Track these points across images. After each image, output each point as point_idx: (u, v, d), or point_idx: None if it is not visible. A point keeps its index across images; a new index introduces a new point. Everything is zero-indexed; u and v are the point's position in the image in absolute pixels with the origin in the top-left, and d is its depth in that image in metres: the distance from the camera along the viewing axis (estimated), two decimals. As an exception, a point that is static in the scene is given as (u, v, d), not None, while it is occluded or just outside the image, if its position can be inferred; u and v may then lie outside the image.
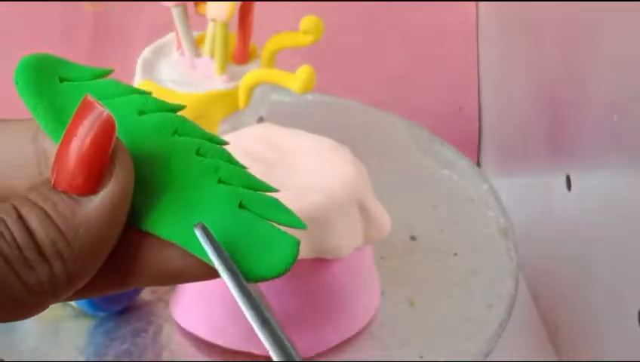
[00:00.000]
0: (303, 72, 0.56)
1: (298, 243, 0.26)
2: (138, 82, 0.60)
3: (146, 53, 0.62)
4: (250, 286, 0.25)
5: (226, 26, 0.59)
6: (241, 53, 0.61)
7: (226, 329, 0.50)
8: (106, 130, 0.24)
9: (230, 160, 0.27)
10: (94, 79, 0.27)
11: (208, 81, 0.60)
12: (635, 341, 0.48)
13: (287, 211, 0.27)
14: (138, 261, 0.26)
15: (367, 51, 0.83)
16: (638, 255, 0.48)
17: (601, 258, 0.54)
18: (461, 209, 0.61)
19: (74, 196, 0.24)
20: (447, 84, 0.82)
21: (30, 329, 0.51)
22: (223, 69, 0.60)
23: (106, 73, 0.27)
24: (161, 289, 0.53)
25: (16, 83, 0.26)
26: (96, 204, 0.24)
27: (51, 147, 0.26)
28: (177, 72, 0.61)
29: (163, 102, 0.27)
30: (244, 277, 0.25)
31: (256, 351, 0.49)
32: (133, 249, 0.26)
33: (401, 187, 0.62)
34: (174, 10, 0.60)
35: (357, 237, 0.50)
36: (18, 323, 0.49)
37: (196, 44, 0.61)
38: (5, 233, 0.23)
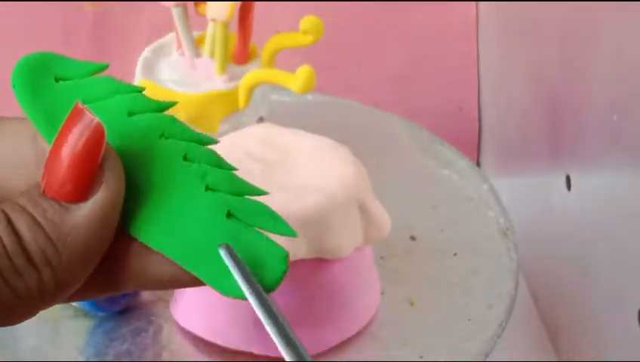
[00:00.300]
0: (303, 72, 0.56)
1: (287, 256, 0.26)
2: (138, 82, 0.60)
3: (146, 53, 0.62)
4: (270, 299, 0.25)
5: (226, 26, 0.59)
6: (241, 53, 0.61)
7: (226, 329, 0.50)
8: (96, 138, 0.24)
9: (218, 163, 0.27)
10: (90, 75, 0.27)
11: (208, 81, 0.60)
12: (635, 341, 0.48)
13: (276, 218, 0.26)
14: (126, 266, 0.25)
15: (367, 51, 0.83)
16: (638, 255, 0.48)
17: (601, 258, 0.54)
18: (461, 209, 0.61)
19: (63, 203, 0.24)
20: (447, 84, 0.82)
21: (30, 329, 0.51)
22: (223, 69, 0.60)
23: (101, 68, 0.27)
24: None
25: (13, 87, 0.26)
26: (85, 211, 0.24)
27: (50, 148, 0.26)
28: (177, 72, 0.61)
29: (152, 102, 0.27)
30: (230, 296, 0.25)
31: (256, 351, 0.49)
32: (121, 253, 0.25)
33: (401, 187, 0.62)
34: (174, 10, 0.60)
35: (357, 237, 0.50)
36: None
37: (196, 44, 0.61)
38: None
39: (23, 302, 0.24)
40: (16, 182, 0.26)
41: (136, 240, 0.25)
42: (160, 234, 0.25)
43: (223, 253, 0.25)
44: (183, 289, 0.52)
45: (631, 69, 0.48)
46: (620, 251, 0.50)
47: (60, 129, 0.24)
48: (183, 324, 0.51)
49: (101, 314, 0.52)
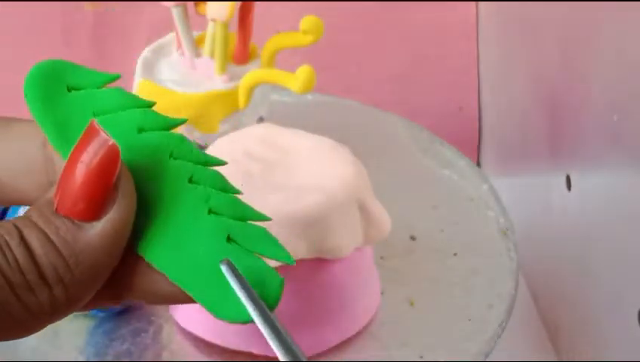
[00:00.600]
0: (303, 72, 0.56)
1: (282, 282, 0.26)
2: (138, 82, 0.60)
3: (146, 53, 0.62)
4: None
5: (226, 26, 0.59)
6: (241, 53, 0.61)
7: (225, 329, 0.50)
8: (111, 158, 0.24)
9: (223, 186, 0.27)
10: (102, 85, 0.27)
11: (208, 81, 0.60)
12: (635, 341, 0.48)
13: (275, 244, 0.26)
14: (130, 280, 0.26)
15: (367, 51, 0.83)
16: (638, 255, 0.48)
17: (601, 258, 0.54)
18: (461, 209, 0.61)
19: (76, 221, 0.24)
20: (447, 84, 0.82)
21: (30, 329, 0.51)
22: (223, 69, 0.60)
23: (113, 79, 0.27)
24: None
25: (25, 95, 0.26)
26: (98, 230, 0.24)
27: (59, 156, 0.26)
28: (177, 72, 0.61)
29: (162, 118, 0.27)
30: (226, 321, 0.25)
31: (255, 351, 0.49)
32: (126, 268, 0.26)
33: (401, 187, 0.62)
34: (174, 10, 0.60)
35: (357, 237, 0.50)
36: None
37: (196, 44, 0.61)
38: (8, 255, 0.24)
39: (33, 316, 0.24)
40: (24, 185, 0.26)
41: (139, 257, 0.26)
42: (162, 254, 0.26)
43: (224, 268, 0.25)
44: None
45: (631, 69, 0.48)
46: (620, 251, 0.50)
47: (74, 146, 0.24)
48: (183, 324, 0.51)
49: (101, 314, 0.52)
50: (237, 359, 0.49)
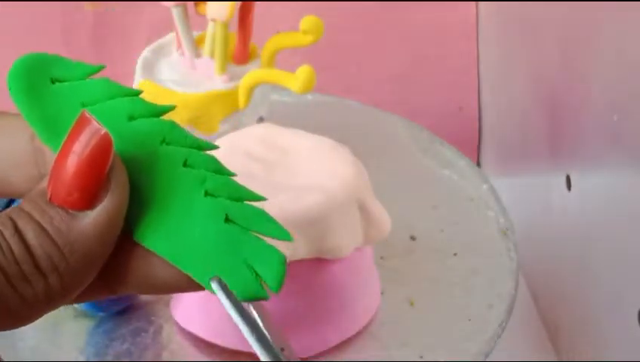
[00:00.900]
0: (303, 72, 0.56)
1: (285, 258, 0.26)
2: (138, 82, 0.60)
3: (146, 53, 0.62)
4: (273, 336, 0.25)
5: (226, 26, 0.59)
6: (241, 53, 0.61)
7: (225, 329, 0.50)
8: (104, 147, 0.24)
9: (218, 168, 0.27)
10: (87, 76, 0.27)
11: (208, 81, 0.60)
12: (635, 341, 0.48)
13: (273, 223, 0.27)
14: (125, 269, 0.26)
15: (367, 51, 0.83)
16: (638, 255, 0.48)
17: (601, 258, 0.54)
18: (461, 209, 0.61)
19: (70, 211, 0.24)
20: (447, 84, 0.82)
21: (30, 330, 0.51)
22: (223, 69, 0.60)
23: (98, 70, 0.27)
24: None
25: (10, 88, 0.26)
26: (91, 219, 0.24)
27: (48, 148, 0.26)
28: (177, 72, 0.61)
29: (152, 106, 0.27)
30: (237, 299, 0.25)
31: (256, 351, 0.49)
32: (121, 257, 0.26)
33: (401, 187, 0.62)
34: (174, 10, 0.60)
35: (357, 237, 0.50)
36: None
37: (196, 44, 0.61)
38: (3, 246, 0.24)
39: (29, 306, 0.24)
40: (13, 178, 0.26)
41: (134, 242, 0.26)
42: (161, 238, 0.26)
43: (214, 285, 0.25)
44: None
45: (631, 69, 0.48)
46: (620, 251, 0.51)
47: (66, 136, 0.25)
48: (183, 324, 0.51)
49: (101, 314, 0.52)
50: (237, 359, 0.49)
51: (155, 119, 0.27)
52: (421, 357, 0.50)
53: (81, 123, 0.24)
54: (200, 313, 0.51)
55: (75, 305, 0.52)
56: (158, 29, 0.64)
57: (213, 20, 0.59)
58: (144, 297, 0.53)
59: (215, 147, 0.27)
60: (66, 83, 0.27)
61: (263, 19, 0.63)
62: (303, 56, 0.64)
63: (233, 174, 0.27)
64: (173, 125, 0.27)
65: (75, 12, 0.80)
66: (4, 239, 0.24)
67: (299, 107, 0.69)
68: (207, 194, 0.26)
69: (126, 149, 0.26)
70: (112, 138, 0.24)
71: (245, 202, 0.27)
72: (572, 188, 0.58)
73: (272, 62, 0.62)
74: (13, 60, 0.27)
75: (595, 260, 0.55)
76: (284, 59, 0.63)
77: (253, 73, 0.59)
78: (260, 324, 0.25)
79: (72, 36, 0.80)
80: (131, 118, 0.27)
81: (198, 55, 0.61)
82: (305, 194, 0.47)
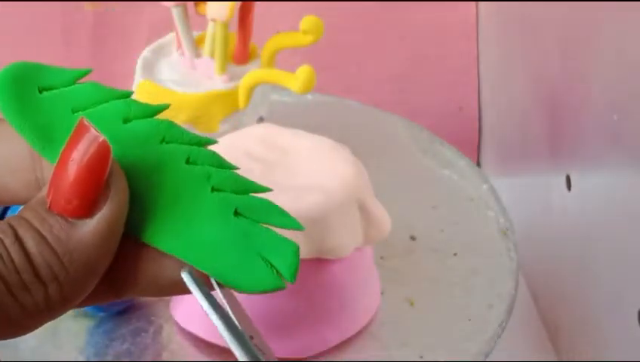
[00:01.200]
0: (303, 72, 0.56)
1: (298, 248, 0.26)
2: (138, 82, 0.60)
3: (146, 53, 0.62)
4: (242, 323, 0.25)
5: (226, 26, 0.59)
6: (241, 53, 0.61)
7: (226, 329, 0.49)
8: (102, 155, 0.24)
9: (220, 163, 0.27)
10: (75, 82, 0.27)
11: (208, 81, 0.60)
12: (635, 341, 0.48)
13: (282, 213, 0.27)
14: (132, 272, 0.26)
15: (367, 51, 0.83)
16: (638, 255, 0.48)
17: (601, 258, 0.54)
18: (461, 209, 0.61)
19: (69, 219, 0.24)
20: (447, 84, 0.82)
21: (30, 329, 0.51)
22: (223, 69, 0.60)
23: (85, 74, 0.27)
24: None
25: None
26: (91, 227, 0.24)
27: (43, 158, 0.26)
28: (177, 72, 0.61)
29: (147, 106, 0.27)
30: (249, 292, 0.25)
31: (256, 351, 0.49)
32: (127, 260, 0.26)
33: (401, 187, 0.62)
34: (174, 10, 0.60)
35: (357, 237, 0.50)
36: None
37: (196, 44, 0.61)
38: (4, 254, 0.24)
39: (29, 315, 0.24)
40: (12, 184, 0.26)
41: (140, 245, 0.26)
42: (172, 237, 0.26)
43: (184, 276, 0.25)
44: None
45: (631, 69, 0.48)
46: (620, 251, 0.50)
47: (65, 144, 0.24)
48: (183, 324, 0.51)
49: (101, 314, 0.52)
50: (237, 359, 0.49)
51: (151, 119, 0.27)
52: (421, 357, 0.50)
53: (80, 130, 0.24)
54: (200, 313, 0.50)
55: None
56: (158, 29, 0.64)
57: (213, 20, 0.59)
58: (144, 297, 0.53)
59: (214, 142, 0.27)
60: (54, 90, 0.27)
61: (263, 19, 0.63)
62: (303, 56, 0.64)
63: (236, 168, 0.27)
64: (170, 123, 0.27)
65: (75, 12, 0.80)
66: (5, 247, 0.24)
67: (299, 107, 0.69)
68: (213, 189, 0.26)
69: (125, 152, 0.26)
70: (110, 143, 0.24)
71: (251, 194, 0.27)
72: (572, 188, 0.58)
73: (272, 62, 0.62)
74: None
75: (595, 260, 0.55)
76: (284, 59, 0.63)
77: (253, 73, 0.59)
78: (231, 313, 0.25)
79: (72, 36, 0.80)
80: (127, 121, 0.27)
81: (198, 55, 0.61)
82: (305, 194, 0.47)
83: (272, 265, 0.26)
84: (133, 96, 0.27)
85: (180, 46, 0.61)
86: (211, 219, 0.26)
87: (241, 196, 0.26)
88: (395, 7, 0.82)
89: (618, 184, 0.50)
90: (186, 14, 0.60)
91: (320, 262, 0.49)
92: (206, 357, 0.50)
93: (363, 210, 0.49)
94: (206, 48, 0.60)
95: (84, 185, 0.24)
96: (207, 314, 0.25)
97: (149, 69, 0.61)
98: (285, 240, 0.26)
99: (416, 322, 0.53)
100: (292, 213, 0.47)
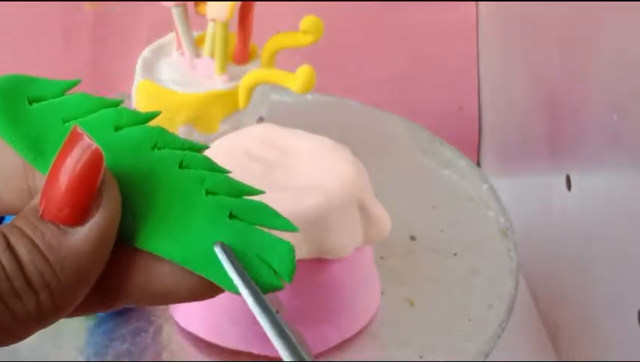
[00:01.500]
0: (303, 72, 0.56)
1: (293, 248, 0.26)
2: (138, 82, 0.60)
3: (146, 53, 0.62)
4: (268, 297, 0.25)
5: (226, 26, 0.59)
6: (241, 53, 0.61)
7: (226, 329, 0.50)
8: (94, 163, 0.24)
9: (213, 167, 0.27)
10: (64, 93, 0.27)
11: (208, 81, 0.60)
12: (635, 341, 0.48)
13: (277, 215, 0.27)
14: (126, 281, 0.26)
15: (367, 51, 0.83)
16: (638, 255, 0.48)
17: (601, 258, 0.54)
18: (461, 209, 0.61)
19: (61, 226, 0.24)
20: (447, 84, 0.82)
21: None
22: (223, 69, 0.60)
23: (73, 85, 0.27)
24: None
25: None
26: (83, 235, 0.24)
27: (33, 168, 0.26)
28: (177, 72, 0.61)
29: (138, 114, 0.27)
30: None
31: (255, 351, 0.49)
32: (119, 268, 0.26)
33: (401, 187, 0.62)
34: (174, 10, 0.60)
35: (357, 237, 0.50)
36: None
37: (196, 44, 0.61)
38: None
39: (21, 323, 0.24)
40: (5, 194, 0.26)
41: (135, 252, 0.26)
42: (168, 241, 0.26)
43: (217, 250, 0.25)
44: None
45: (631, 69, 0.48)
46: (620, 251, 0.51)
47: (58, 152, 0.24)
48: (183, 324, 0.51)
49: (101, 313, 0.52)
50: (237, 359, 0.49)
51: (143, 126, 0.27)
52: (421, 357, 0.50)
53: (73, 138, 0.24)
54: (200, 313, 0.51)
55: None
56: (158, 29, 0.64)
57: (213, 20, 0.59)
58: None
59: (207, 147, 0.27)
60: (43, 101, 0.27)
61: (263, 19, 0.63)
62: (303, 56, 0.64)
63: (228, 171, 0.27)
64: (161, 130, 0.27)
65: (75, 12, 0.80)
66: None
67: (299, 107, 0.69)
68: (208, 192, 0.26)
69: (117, 160, 0.26)
70: (103, 151, 0.24)
71: (245, 197, 0.27)
72: (572, 188, 0.58)
73: (272, 62, 0.62)
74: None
75: (595, 260, 0.55)
76: (284, 59, 0.63)
77: (253, 73, 0.59)
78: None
79: (72, 36, 0.80)
80: (118, 128, 0.27)
81: (198, 55, 0.61)
82: (305, 194, 0.47)
83: (269, 266, 0.26)
84: (124, 104, 0.27)
85: (179, 46, 0.61)
86: (206, 222, 0.26)
87: (235, 199, 0.26)
88: (395, 7, 0.82)
89: (618, 184, 0.50)
90: (186, 14, 0.60)
91: (320, 262, 0.49)
92: (206, 357, 0.50)
93: (363, 210, 0.49)
94: (206, 48, 0.60)
95: (77, 193, 0.24)
96: (238, 289, 0.25)
97: (149, 69, 0.61)
98: (281, 240, 0.26)
99: (416, 322, 0.53)
100: (292, 213, 0.47)
